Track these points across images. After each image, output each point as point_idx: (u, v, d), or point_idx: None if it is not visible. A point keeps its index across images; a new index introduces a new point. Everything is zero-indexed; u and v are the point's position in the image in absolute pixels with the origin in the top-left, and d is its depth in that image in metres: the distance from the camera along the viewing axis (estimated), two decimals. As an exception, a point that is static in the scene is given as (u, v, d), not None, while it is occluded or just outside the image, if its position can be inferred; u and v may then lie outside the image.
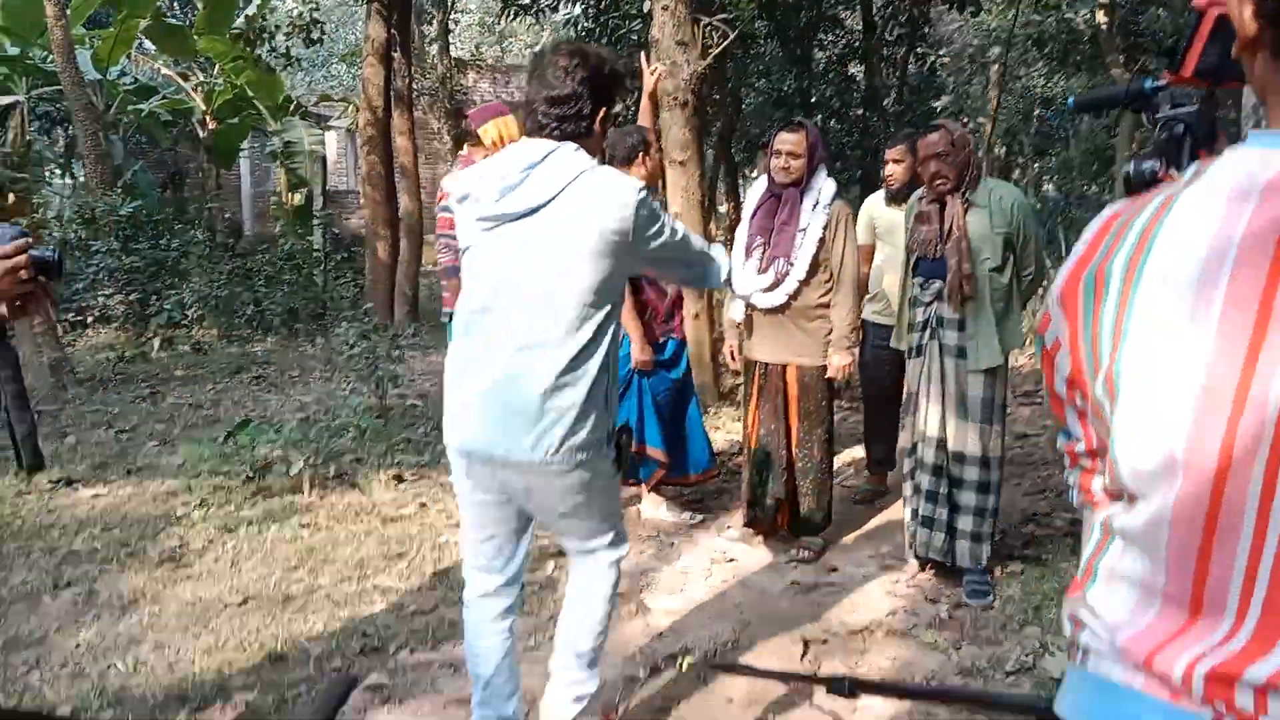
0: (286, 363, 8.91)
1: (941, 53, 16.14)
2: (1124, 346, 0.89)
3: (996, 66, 15.75)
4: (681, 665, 2.71)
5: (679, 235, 2.47)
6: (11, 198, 10.39)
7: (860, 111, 12.65)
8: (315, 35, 11.71)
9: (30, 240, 1.66)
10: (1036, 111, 18.48)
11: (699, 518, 4.68)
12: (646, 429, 4.46)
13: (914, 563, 3.99)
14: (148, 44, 14.51)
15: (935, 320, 3.64)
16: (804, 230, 3.86)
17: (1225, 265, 0.81)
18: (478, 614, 2.62)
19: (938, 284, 3.60)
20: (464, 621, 2.65)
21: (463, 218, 2.43)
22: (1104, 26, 11.76)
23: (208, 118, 14.53)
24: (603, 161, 2.48)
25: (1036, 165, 20.27)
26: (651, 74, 4.40)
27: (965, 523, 3.67)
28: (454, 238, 3.09)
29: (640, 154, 4.15)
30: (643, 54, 4.87)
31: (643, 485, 4.66)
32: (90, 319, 9.92)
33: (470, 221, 2.40)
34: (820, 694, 2.96)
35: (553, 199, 2.29)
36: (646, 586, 3.94)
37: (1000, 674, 3.09)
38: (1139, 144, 10.91)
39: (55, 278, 1.69)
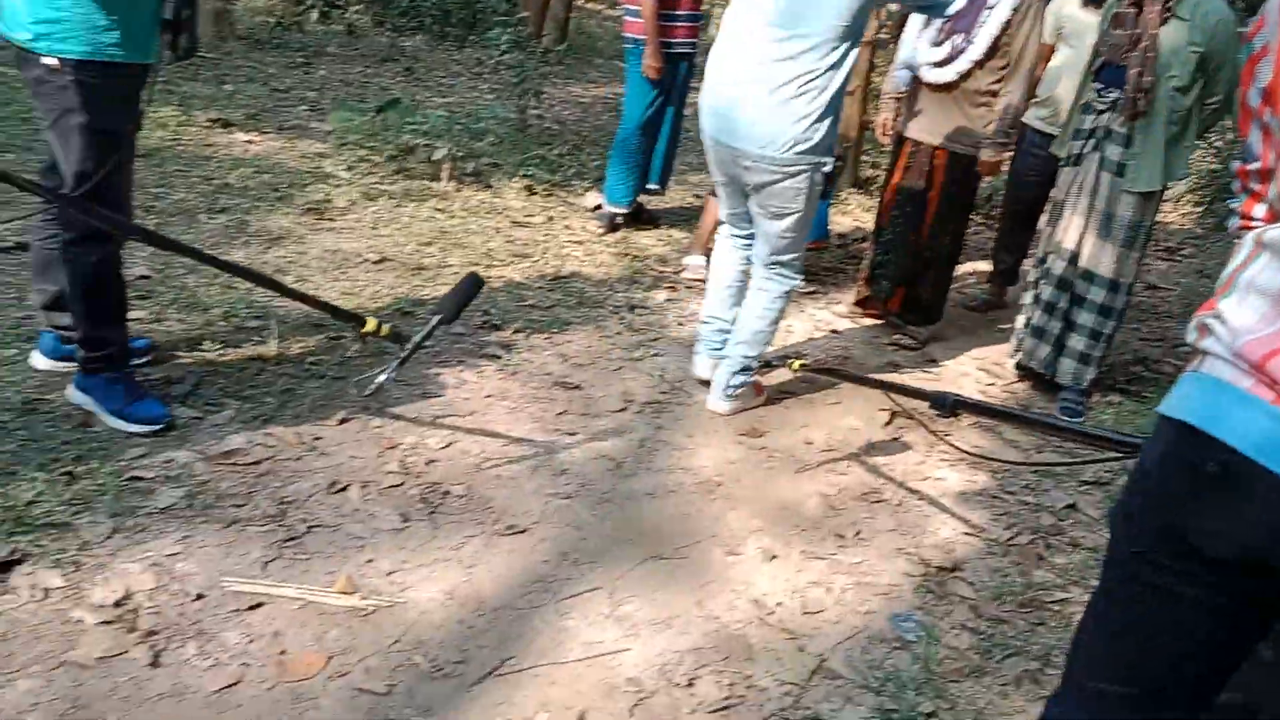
0: (434, 62, 8.95)
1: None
2: None
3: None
4: (792, 365, 2.88)
5: None
6: None
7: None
8: None
9: None
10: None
11: (811, 287, 4.75)
12: None
13: (1013, 370, 4.05)
14: None
15: (1102, 132, 3.51)
16: (991, 8, 3.69)
17: None
18: (725, 243, 3.42)
19: (1116, 94, 3.45)
20: (715, 247, 3.53)
21: None
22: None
23: None
24: None
25: None
26: None
27: (1077, 341, 3.68)
28: None
29: None
30: None
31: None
32: (253, -20, 10.00)
33: None
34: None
35: None
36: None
37: (1075, 480, 3.21)
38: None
39: None
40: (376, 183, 4.96)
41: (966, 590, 2.54)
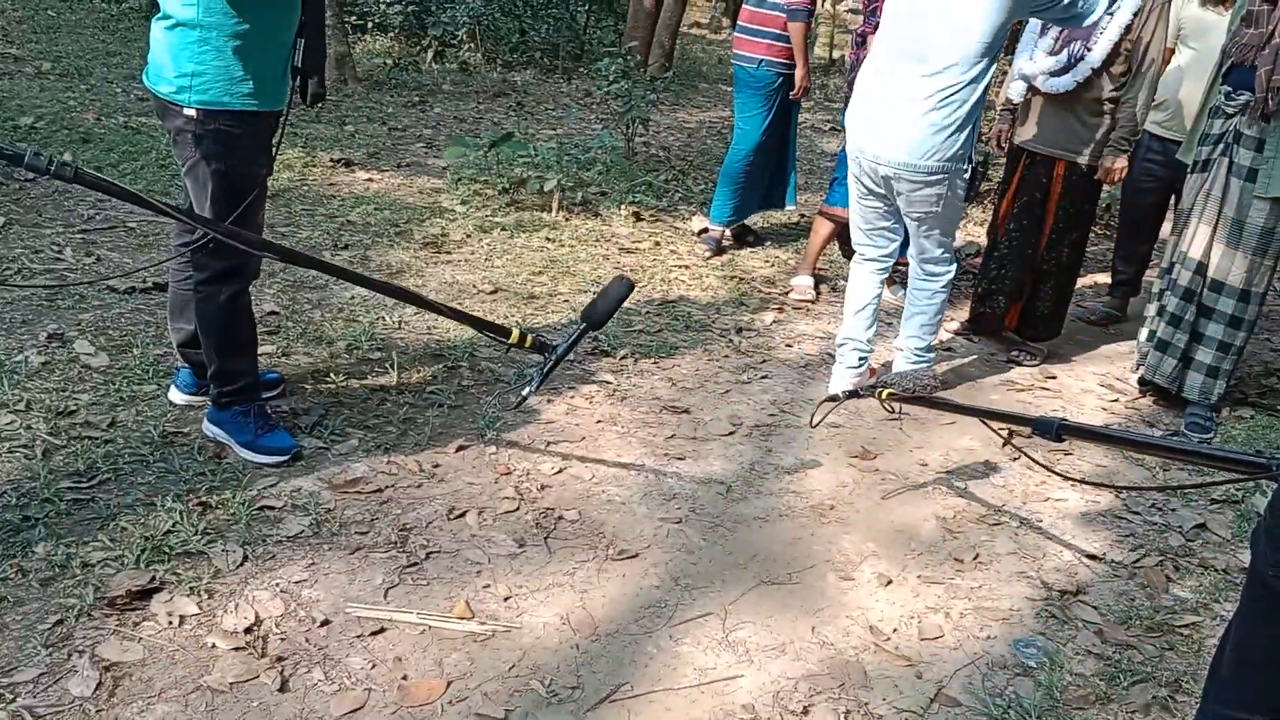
0: (543, 95, 9.15)
1: None
2: None
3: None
4: (881, 394, 2.82)
5: None
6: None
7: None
8: None
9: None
10: None
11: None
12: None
13: (1137, 385, 3.90)
14: None
15: (1232, 136, 3.36)
16: (1112, 13, 3.58)
17: None
18: (859, 268, 3.58)
19: (1246, 96, 3.30)
20: (849, 273, 3.66)
21: None
22: None
23: None
24: None
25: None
26: None
27: (1204, 355, 3.52)
28: None
29: None
30: None
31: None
32: (370, 24, 10.41)
33: None
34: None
35: None
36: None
37: (1204, 500, 3.07)
38: None
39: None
40: (490, 215, 5.10)
41: (1091, 615, 2.45)
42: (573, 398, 3.31)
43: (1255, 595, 1.24)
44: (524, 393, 2.60)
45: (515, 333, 2.59)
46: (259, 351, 2.83)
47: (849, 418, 3.42)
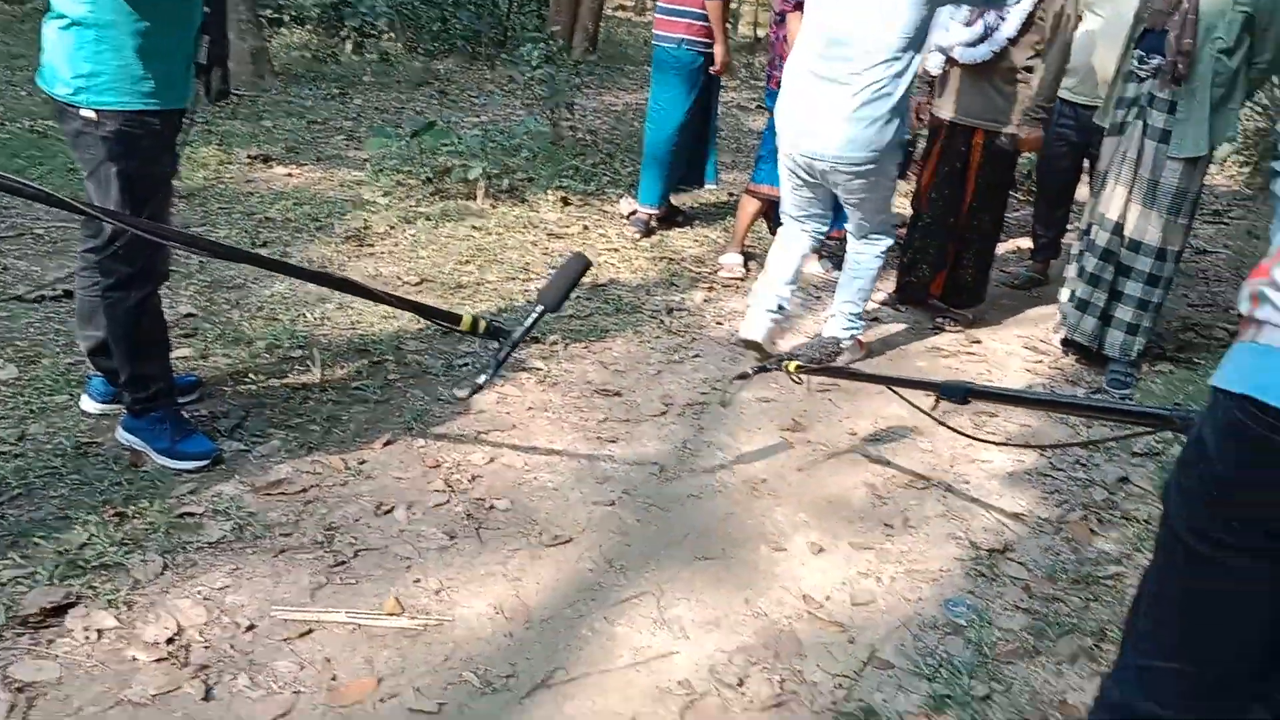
0: (467, 83, 9.05)
1: None
2: None
3: None
4: (788, 367, 2.83)
5: None
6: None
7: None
8: None
9: None
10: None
11: (851, 276, 4.71)
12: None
13: (1060, 345, 3.97)
14: None
15: (1145, 99, 3.42)
16: (1025, -15, 3.63)
17: None
18: (788, 229, 3.64)
19: (1158, 60, 3.36)
20: (779, 235, 3.69)
21: None
22: None
23: None
24: None
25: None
26: None
27: (1124, 313, 3.59)
28: None
29: None
30: None
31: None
32: (286, 17, 10.19)
33: None
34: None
35: None
36: (786, 330, 4.05)
37: (1126, 454, 3.13)
38: None
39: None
40: (414, 206, 5.03)
41: (1018, 571, 2.50)
42: (503, 386, 3.28)
43: (1168, 548, 1.26)
44: (479, 381, 2.51)
45: (467, 318, 2.49)
46: (175, 355, 2.75)
47: (780, 392, 3.44)
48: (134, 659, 1.98)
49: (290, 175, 5.41)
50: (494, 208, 5.14)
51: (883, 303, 4.41)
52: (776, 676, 2.10)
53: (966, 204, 4.02)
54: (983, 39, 3.74)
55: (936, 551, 2.57)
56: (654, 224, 5.05)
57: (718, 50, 4.69)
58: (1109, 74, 3.74)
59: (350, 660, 2.04)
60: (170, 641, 2.03)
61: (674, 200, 5.25)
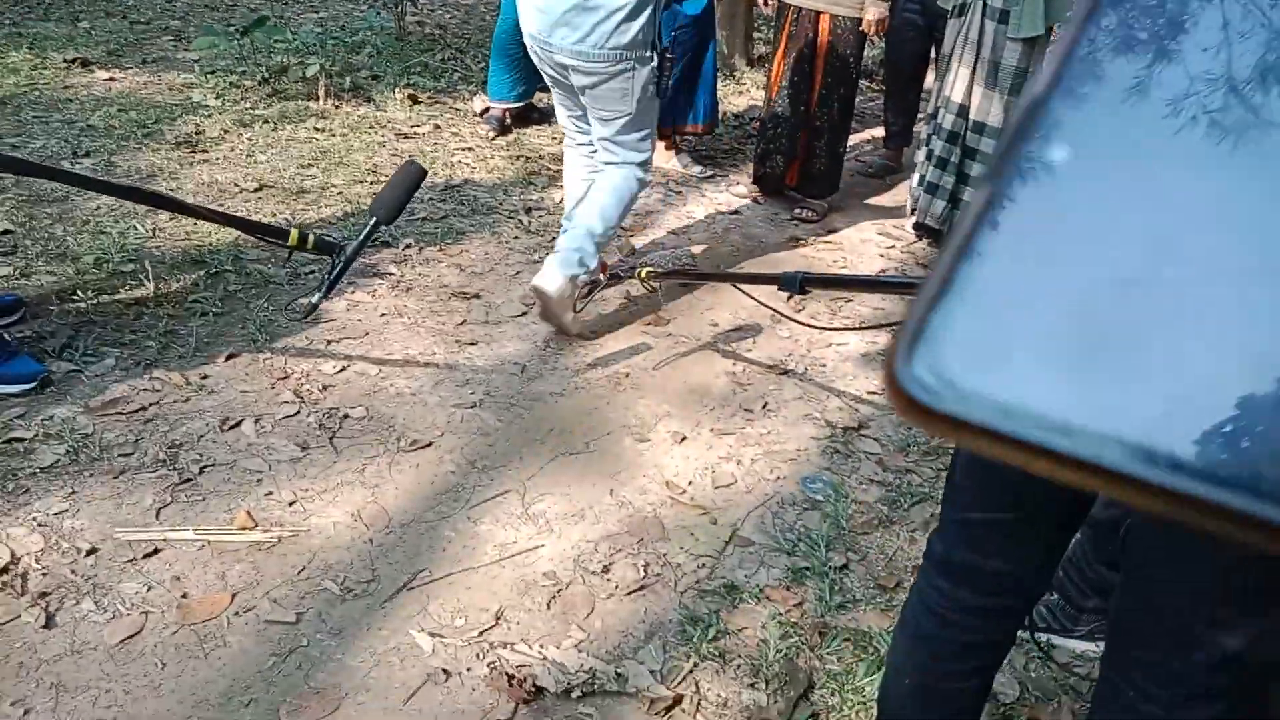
0: (304, -22, 8.52)
1: None
2: None
3: None
4: (640, 274, 2.83)
5: None
6: None
7: None
8: None
9: None
10: None
11: (709, 171, 4.70)
12: None
13: (912, 230, 4.07)
14: None
15: (984, -20, 3.47)
16: None
17: None
18: (571, 155, 3.25)
19: (993, -62, 3.40)
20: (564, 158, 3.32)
21: None
22: None
23: None
24: None
25: None
26: None
27: (971, 195, 3.69)
28: None
29: None
30: None
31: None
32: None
33: None
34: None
35: None
36: (647, 226, 4.03)
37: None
38: None
39: None
40: (250, 109, 4.74)
41: (872, 446, 2.58)
42: (353, 293, 3.16)
43: None
44: (313, 300, 2.41)
45: (294, 234, 2.38)
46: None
47: (641, 289, 3.42)
48: (-37, 593, 1.86)
49: (112, 80, 5.02)
50: (337, 108, 4.90)
51: (741, 196, 4.42)
52: (641, 561, 2.12)
53: (816, 91, 4.03)
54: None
55: (794, 433, 2.63)
56: (509, 121, 4.91)
57: None
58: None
59: (201, 577, 1.97)
60: (4, 571, 1.92)
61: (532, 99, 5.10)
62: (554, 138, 4.93)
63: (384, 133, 4.66)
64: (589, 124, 3.06)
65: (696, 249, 3.82)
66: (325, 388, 2.65)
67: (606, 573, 2.09)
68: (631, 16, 2.70)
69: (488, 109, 4.91)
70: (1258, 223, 0.26)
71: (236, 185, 3.84)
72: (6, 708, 1.66)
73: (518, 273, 3.48)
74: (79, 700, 1.69)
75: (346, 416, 2.53)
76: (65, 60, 5.17)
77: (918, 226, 4.02)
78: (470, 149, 4.64)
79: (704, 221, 4.14)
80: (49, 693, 1.69)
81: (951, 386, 0.25)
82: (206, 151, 4.16)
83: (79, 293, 2.95)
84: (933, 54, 4.61)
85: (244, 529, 2.10)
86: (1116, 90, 0.30)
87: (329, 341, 2.87)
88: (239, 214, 3.51)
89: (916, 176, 3.90)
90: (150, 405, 2.48)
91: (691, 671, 1.86)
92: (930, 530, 2.21)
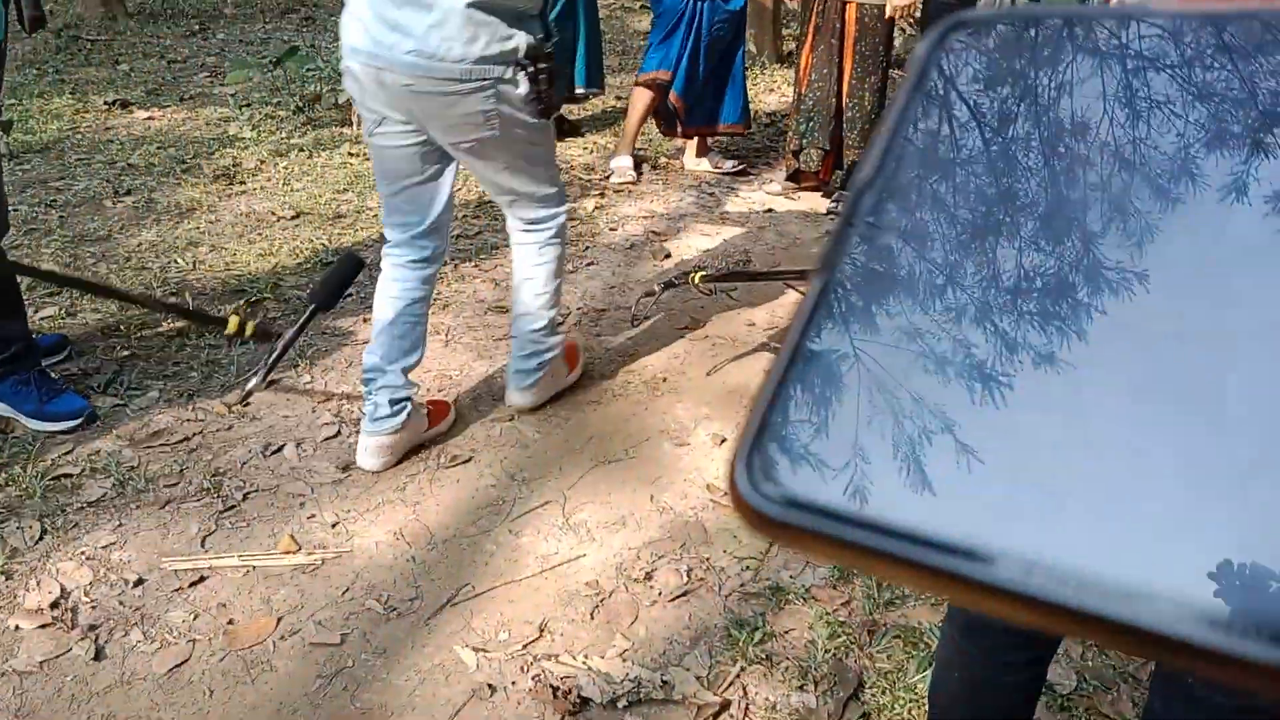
0: (334, 6, 8.62)
1: None
2: None
3: None
4: (693, 278, 2.81)
5: None
6: None
7: None
8: None
9: None
10: None
11: (740, 166, 4.67)
12: (680, 68, 4.31)
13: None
14: None
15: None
16: None
17: None
18: (386, 265, 2.39)
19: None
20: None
21: None
22: None
23: None
24: None
25: None
26: None
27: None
28: None
29: None
30: None
31: (685, 132, 4.60)
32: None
33: None
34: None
35: None
36: (682, 230, 4.01)
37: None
38: None
39: None
40: (285, 138, 4.81)
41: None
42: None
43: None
44: (249, 385, 2.42)
45: (233, 321, 2.43)
46: (41, 315, 2.60)
47: (677, 293, 3.39)
48: (16, 628, 1.90)
49: (152, 119, 5.13)
50: (371, 133, 4.95)
51: (775, 194, 4.38)
52: (684, 566, 2.10)
53: (846, 81, 3.98)
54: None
55: (836, 429, 2.59)
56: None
57: None
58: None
59: (247, 602, 1.98)
60: (55, 606, 1.95)
61: (562, 111, 5.10)
62: (585, 149, 4.94)
63: (416, 153, 4.69)
64: (411, 224, 2.33)
65: (731, 250, 3.79)
66: (364, 408, 2.66)
67: (649, 579, 2.06)
68: (496, 18, 2.01)
69: (518, 123, 4.91)
70: (1084, 300, 0.26)
71: (274, 214, 3.89)
72: (60, 740, 1.68)
73: (553, 284, 3.47)
74: (130, 730, 1.70)
75: (386, 436, 2.54)
76: (106, 102, 5.30)
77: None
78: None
79: (738, 221, 4.10)
80: (101, 724, 1.71)
81: (793, 496, 0.24)
82: (244, 183, 4.22)
83: (123, 328, 3.00)
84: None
85: (288, 552, 2.11)
86: (941, 171, 0.30)
87: (367, 362, 2.88)
88: (279, 242, 3.56)
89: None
90: (194, 435, 2.51)
91: (738, 676, 1.83)
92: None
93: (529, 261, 2.51)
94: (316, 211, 3.94)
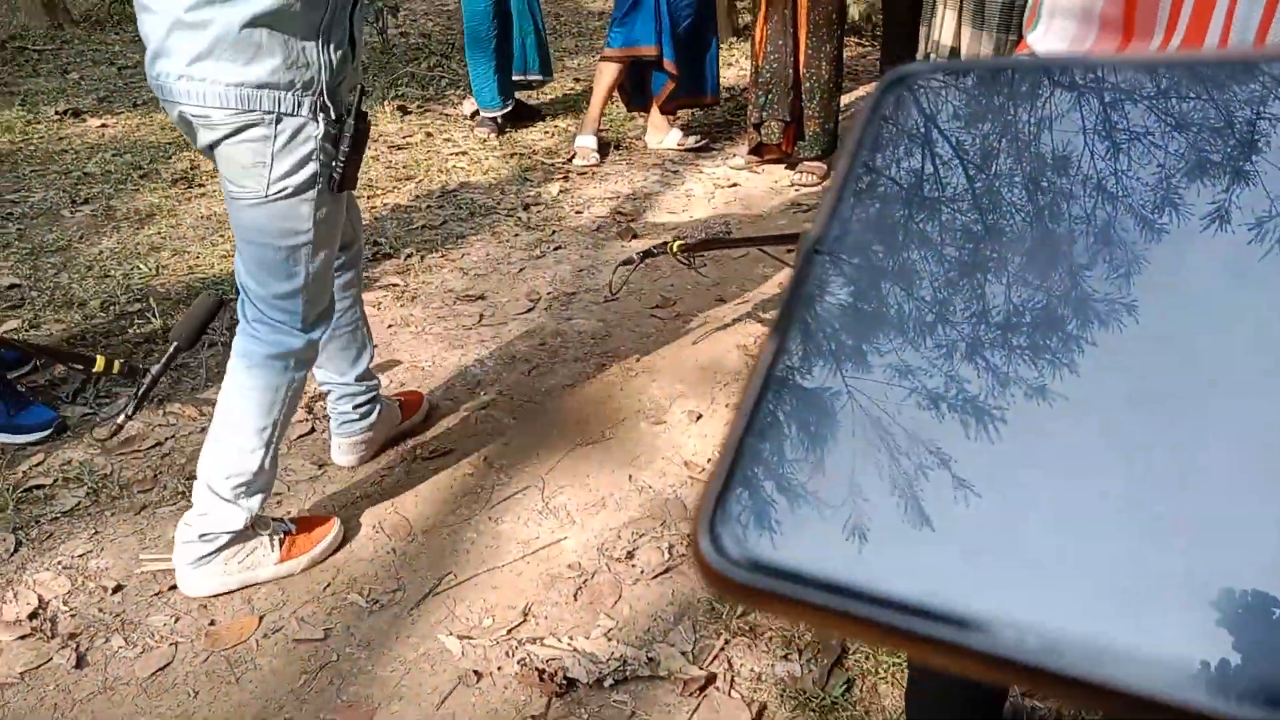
0: (287, 4, 8.54)
1: None
2: None
3: None
4: (672, 247, 2.80)
5: None
6: None
7: None
8: None
9: None
10: None
11: (703, 142, 4.67)
12: (664, 39, 4.30)
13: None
14: None
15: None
16: None
17: None
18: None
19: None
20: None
21: None
22: None
23: None
24: None
25: None
26: None
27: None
28: None
29: None
30: None
31: (652, 105, 4.58)
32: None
33: None
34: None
35: None
36: (647, 209, 4.00)
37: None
38: None
39: None
40: (243, 138, 4.75)
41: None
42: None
43: None
44: (118, 420, 2.39)
45: (100, 360, 2.41)
46: (2, 329, 2.55)
47: (646, 271, 3.39)
48: (-6, 643, 1.88)
49: (105, 126, 5.05)
50: (330, 128, 4.90)
51: (739, 168, 4.38)
52: (665, 544, 2.11)
53: (802, 52, 3.98)
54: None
55: (810, 398, 2.60)
56: (500, 121, 4.89)
57: None
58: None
59: (228, 603, 1.97)
60: (34, 616, 1.93)
61: (521, 97, 5.07)
62: (546, 133, 4.92)
63: (376, 146, 4.65)
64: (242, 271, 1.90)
65: (697, 225, 3.79)
66: (337, 404, 2.64)
67: (631, 559, 2.07)
68: (244, 48, 1.57)
69: (477, 112, 4.89)
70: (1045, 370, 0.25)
71: (235, 214, 3.85)
72: (46, 752, 1.67)
73: (521, 270, 3.47)
74: (117, 737, 1.70)
75: (360, 430, 2.53)
76: (57, 112, 5.21)
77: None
78: (464, 153, 4.63)
79: (703, 197, 4.11)
80: (87, 733, 1.70)
81: (757, 558, 0.23)
82: (203, 185, 4.18)
83: (88, 336, 2.96)
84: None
85: (266, 552, 2.09)
86: (892, 228, 0.29)
87: (337, 358, 2.86)
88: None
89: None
90: (166, 439, 2.49)
91: (723, 649, 1.84)
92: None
93: (241, 378, 1.92)
94: (278, 210, 3.90)
